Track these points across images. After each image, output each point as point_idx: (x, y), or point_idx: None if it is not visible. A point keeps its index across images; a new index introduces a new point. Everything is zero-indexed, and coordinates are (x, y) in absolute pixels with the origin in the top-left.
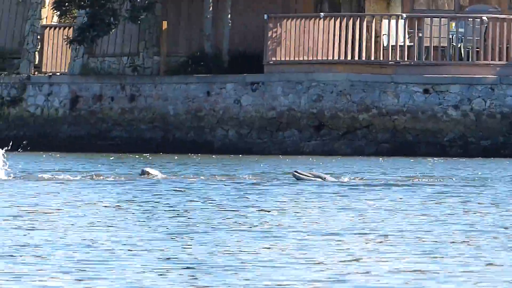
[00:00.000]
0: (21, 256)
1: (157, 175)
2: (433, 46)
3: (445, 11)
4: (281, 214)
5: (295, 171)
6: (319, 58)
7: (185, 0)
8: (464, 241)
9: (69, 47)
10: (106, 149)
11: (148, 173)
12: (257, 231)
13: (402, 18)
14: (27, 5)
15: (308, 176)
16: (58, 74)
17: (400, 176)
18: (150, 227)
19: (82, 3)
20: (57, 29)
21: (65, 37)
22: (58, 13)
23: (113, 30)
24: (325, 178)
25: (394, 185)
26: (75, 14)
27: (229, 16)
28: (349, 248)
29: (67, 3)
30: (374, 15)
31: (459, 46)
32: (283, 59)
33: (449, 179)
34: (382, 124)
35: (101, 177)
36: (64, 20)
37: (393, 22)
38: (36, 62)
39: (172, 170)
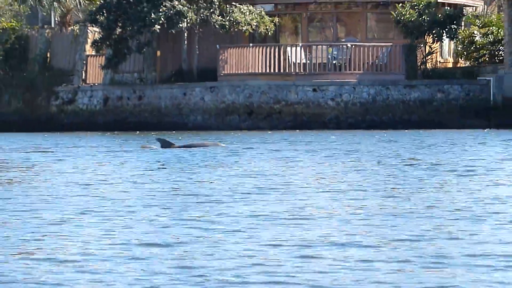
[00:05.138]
0: None
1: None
2: (319, 63)
3: (327, 41)
4: None
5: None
6: (250, 71)
7: (170, 38)
8: None
9: (102, 70)
10: (131, 129)
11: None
12: None
13: (299, 46)
14: (77, 43)
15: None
16: (96, 84)
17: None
18: None
19: (108, 43)
20: (95, 57)
21: (100, 64)
22: (95, 48)
23: (127, 59)
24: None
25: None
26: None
27: (197, 46)
28: None
29: (100, 43)
30: (282, 45)
31: (334, 62)
32: (229, 72)
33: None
34: (288, 111)
35: None
36: (101, 52)
37: (293, 48)
38: (83, 78)
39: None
